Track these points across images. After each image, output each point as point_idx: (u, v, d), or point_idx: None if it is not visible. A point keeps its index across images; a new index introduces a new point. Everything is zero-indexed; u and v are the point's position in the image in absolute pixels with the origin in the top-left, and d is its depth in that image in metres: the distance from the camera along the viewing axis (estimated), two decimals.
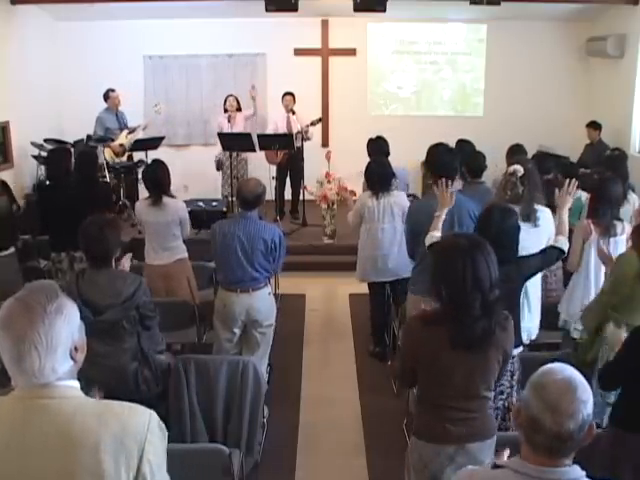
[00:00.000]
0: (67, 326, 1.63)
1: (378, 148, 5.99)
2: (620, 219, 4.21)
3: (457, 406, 2.59)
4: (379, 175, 5.19)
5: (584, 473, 1.66)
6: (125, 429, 1.60)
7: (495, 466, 1.77)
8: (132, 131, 8.59)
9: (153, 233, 4.96)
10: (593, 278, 4.22)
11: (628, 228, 4.16)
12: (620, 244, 4.14)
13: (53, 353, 1.60)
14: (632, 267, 3.49)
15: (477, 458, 2.58)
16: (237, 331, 4.37)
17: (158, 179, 4.90)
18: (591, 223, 4.17)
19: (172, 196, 5.01)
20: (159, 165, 4.99)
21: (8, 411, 1.62)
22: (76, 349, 1.66)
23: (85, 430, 1.57)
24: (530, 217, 4.02)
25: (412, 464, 2.72)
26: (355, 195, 6.71)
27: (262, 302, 4.33)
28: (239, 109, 8.63)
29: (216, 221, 4.54)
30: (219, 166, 8.53)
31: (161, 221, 4.89)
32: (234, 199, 8.12)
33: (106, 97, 8.59)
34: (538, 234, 4.02)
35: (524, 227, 3.74)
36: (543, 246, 4.03)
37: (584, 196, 5.11)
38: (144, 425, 1.63)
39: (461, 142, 5.82)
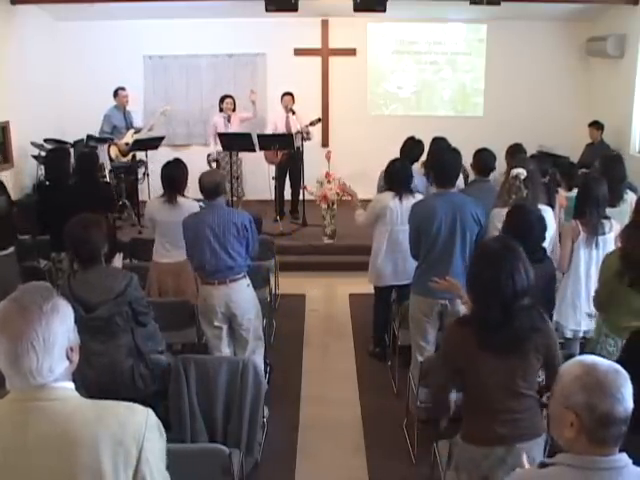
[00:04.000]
0: (63, 325, 1.64)
1: (414, 150, 5.73)
2: (607, 217, 4.22)
3: (502, 407, 2.61)
4: (403, 176, 4.97)
5: (631, 460, 1.70)
6: (123, 428, 1.60)
7: (543, 464, 1.77)
8: (138, 131, 8.60)
9: (165, 231, 4.93)
10: (583, 278, 4.23)
11: (616, 226, 4.18)
12: (609, 242, 4.16)
13: (50, 352, 1.60)
14: (612, 265, 3.57)
15: (528, 458, 2.59)
16: (219, 325, 4.34)
17: (175, 178, 4.88)
18: (579, 223, 4.19)
19: (185, 196, 5.01)
20: (178, 164, 4.96)
21: (5, 414, 1.62)
22: (72, 349, 1.67)
23: (84, 431, 1.58)
24: None
25: (462, 464, 2.74)
26: (350, 188, 6.68)
27: (240, 294, 4.31)
28: (234, 109, 8.62)
29: None
30: (216, 165, 8.53)
31: (175, 220, 4.87)
32: (234, 199, 8.14)
33: (115, 94, 8.63)
34: None
35: None
36: (547, 243, 4.13)
37: None
38: (142, 424, 1.63)
39: (437, 140, 5.82)
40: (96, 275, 3.37)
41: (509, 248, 2.65)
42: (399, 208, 4.97)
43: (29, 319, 1.58)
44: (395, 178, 5.00)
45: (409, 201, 4.91)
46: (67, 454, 1.56)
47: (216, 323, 4.34)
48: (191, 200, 5.06)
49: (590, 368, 1.69)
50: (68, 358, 1.66)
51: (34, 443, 1.57)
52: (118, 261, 3.79)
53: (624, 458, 1.69)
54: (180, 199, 4.90)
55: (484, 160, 5.15)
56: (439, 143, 5.73)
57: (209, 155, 8.58)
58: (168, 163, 4.97)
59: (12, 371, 1.60)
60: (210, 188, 4.28)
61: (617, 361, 2.89)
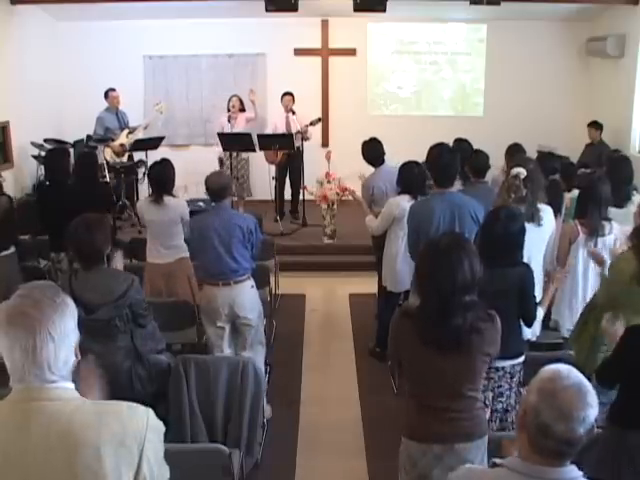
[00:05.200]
0: (72, 319, 1.66)
1: (375, 150, 5.75)
2: (608, 219, 4.21)
3: (443, 405, 2.57)
4: (418, 178, 4.93)
5: (581, 473, 1.67)
6: (125, 429, 1.60)
7: (494, 465, 1.77)
8: (132, 131, 8.59)
9: (155, 232, 4.96)
10: (581, 278, 4.22)
11: (617, 228, 4.16)
12: (608, 244, 4.14)
13: (65, 344, 1.62)
14: (629, 266, 3.49)
15: (466, 459, 2.55)
16: (222, 325, 4.35)
17: (162, 178, 4.90)
18: (578, 224, 4.17)
19: (174, 195, 5.01)
20: (166, 164, 4.98)
21: (7, 416, 1.61)
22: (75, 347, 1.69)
23: (85, 431, 1.58)
24: (534, 217, 4.09)
25: (402, 464, 2.74)
26: (355, 193, 6.69)
27: (245, 295, 4.31)
28: (242, 109, 8.62)
29: None
30: (221, 164, 8.53)
31: (163, 220, 4.89)
32: (235, 199, 8.13)
33: (106, 96, 8.61)
34: (541, 232, 4.14)
35: (528, 227, 3.80)
36: (546, 243, 4.11)
37: None
38: (143, 424, 1.63)
39: (459, 141, 5.81)
40: (97, 276, 3.35)
41: (456, 243, 2.58)
42: None
43: (44, 311, 1.59)
44: (414, 182, 4.94)
45: None
46: (69, 454, 1.56)
47: (219, 324, 4.34)
48: (179, 199, 5.07)
49: (556, 376, 1.66)
50: (75, 355, 1.67)
51: (36, 444, 1.57)
52: (119, 260, 3.78)
53: (574, 471, 1.67)
54: (167, 198, 4.89)
55: (479, 161, 5.16)
56: (462, 145, 5.68)
57: (219, 155, 8.56)
58: (155, 163, 4.99)
59: (29, 364, 1.58)
60: (216, 190, 4.30)
61: (614, 354, 2.90)
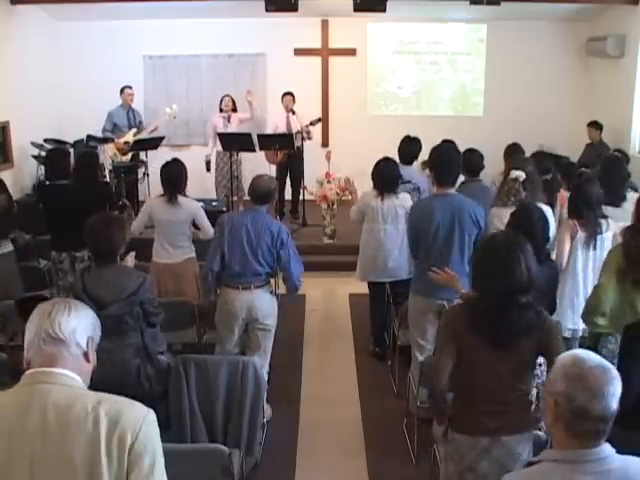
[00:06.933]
0: (91, 319, 1.90)
1: (410, 150, 5.80)
2: (605, 217, 4.21)
3: (492, 398, 2.60)
4: (386, 176, 5.11)
5: (614, 450, 1.72)
6: (121, 419, 1.64)
7: (529, 464, 1.79)
8: (139, 131, 8.61)
9: (165, 231, 4.94)
10: (581, 277, 4.22)
11: (614, 225, 4.17)
12: (606, 241, 4.15)
13: (80, 323, 1.81)
14: (614, 261, 3.55)
15: (514, 451, 2.60)
16: (237, 330, 4.34)
17: (176, 177, 4.90)
18: (577, 223, 4.18)
19: (186, 195, 5.03)
20: (177, 164, 4.99)
21: (13, 398, 1.68)
22: (89, 349, 1.82)
23: (83, 417, 1.63)
24: None
25: (449, 454, 2.74)
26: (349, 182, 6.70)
27: (263, 300, 4.31)
28: (234, 109, 8.63)
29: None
30: (208, 166, 8.52)
31: (175, 220, 4.89)
32: (234, 198, 8.13)
33: (122, 92, 8.68)
34: None
35: None
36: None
37: None
38: (140, 417, 1.67)
39: (444, 142, 5.84)
40: (111, 273, 3.40)
41: (515, 243, 2.63)
42: (380, 207, 5.13)
43: (72, 299, 1.94)
44: (378, 178, 5.13)
45: (391, 201, 5.11)
46: (65, 438, 1.61)
47: (234, 328, 4.33)
48: (191, 199, 5.08)
49: (578, 360, 1.71)
50: (87, 346, 1.79)
51: (36, 426, 1.62)
52: (131, 260, 3.83)
53: (607, 449, 1.71)
54: (181, 198, 4.91)
55: (472, 161, 5.18)
56: (446, 145, 5.71)
57: (206, 157, 8.57)
58: (167, 163, 4.98)
59: (43, 322, 1.73)
60: (261, 193, 4.32)
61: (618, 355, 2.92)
